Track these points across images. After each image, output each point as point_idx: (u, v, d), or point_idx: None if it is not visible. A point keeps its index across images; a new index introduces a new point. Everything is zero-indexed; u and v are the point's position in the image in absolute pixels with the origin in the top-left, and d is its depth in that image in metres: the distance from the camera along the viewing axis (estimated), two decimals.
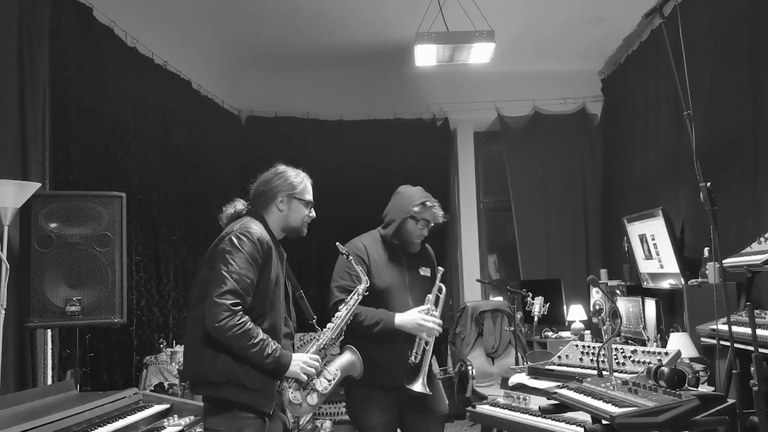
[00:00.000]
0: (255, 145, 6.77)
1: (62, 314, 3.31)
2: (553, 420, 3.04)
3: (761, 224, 3.69)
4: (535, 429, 3.11)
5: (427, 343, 2.96)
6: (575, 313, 6.05)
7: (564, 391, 2.59)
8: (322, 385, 2.57)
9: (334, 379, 2.61)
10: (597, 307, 5.54)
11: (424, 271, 3.18)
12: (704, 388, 2.98)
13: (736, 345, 2.49)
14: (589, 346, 3.62)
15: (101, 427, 2.58)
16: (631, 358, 3.30)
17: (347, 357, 2.74)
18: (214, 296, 2.36)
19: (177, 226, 5.37)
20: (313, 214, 2.75)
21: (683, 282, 4.35)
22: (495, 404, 3.47)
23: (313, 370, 2.55)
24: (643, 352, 3.32)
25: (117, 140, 4.62)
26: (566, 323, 6.05)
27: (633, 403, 2.22)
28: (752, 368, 2.16)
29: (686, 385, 2.32)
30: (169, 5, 5.08)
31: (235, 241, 2.45)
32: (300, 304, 2.88)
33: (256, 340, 2.38)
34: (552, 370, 3.53)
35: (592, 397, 2.40)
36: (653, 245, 4.80)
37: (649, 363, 3.08)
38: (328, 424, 5.01)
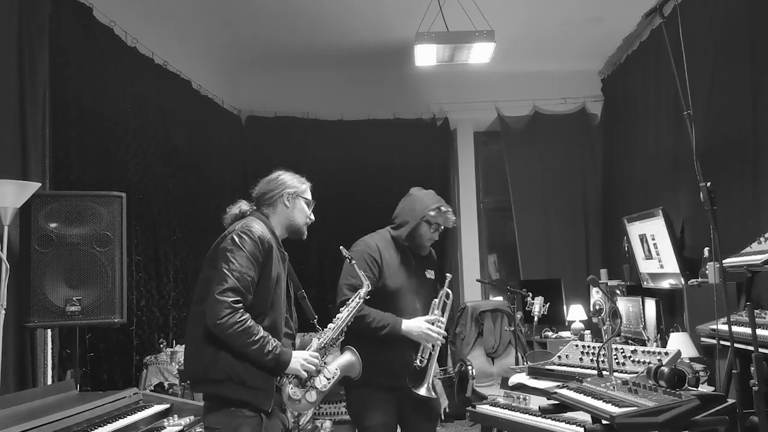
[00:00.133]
0: (255, 145, 6.78)
1: (62, 314, 3.31)
2: (553, 420, 3.04)
3: (761, 224, 3.68)
4: (535, 429, 3.11)
5: (433, 347, 2.99)
6: (575, 313, 6.05)
7: (564, 391, 2.59)
8: (321, 383, 2.59)
9: (333, 377, 2.63)
10: (597, 307, 5.54)
11: (430, 274, 3.22)
12: (704, 388, 2.98)
13: (736, 345, 2.49)
14: (589, 346, 3.62)
15: (101, 427, 2.58)
16: (631, 358, 3.29)
17: (347, 357, 2.75)
18: (216, 293, 2.38)
19: (177, 226, 5.38)
20: (312, 216, 2.80)
21: (683, 282, 4.35)
22: (495, 404, 3.47)
23: (313, 368, 2.58)
24: (643, 352, 3.31)
25: (117, 140, 4.62)
26: (566, 323, 6.05)
27: (633, 403, 2.22)
28: (752, 368, 2.16)
29: (686, 385, 2.31)
30: (169, 5, 5.08)
31: (236, 239, 2.48)
32: (302, 304, 2.90)
33: (256, 338, 2.41)
34: (552, 370, 3.53)
35: (592, 397, 2.40)
36: (653, 245, 4.80)
37: (649, 363, 3.08)
38: (328, 424, 5.01)
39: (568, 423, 2.98)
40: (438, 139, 7.03)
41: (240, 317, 2.38)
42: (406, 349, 2.96)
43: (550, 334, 5.99)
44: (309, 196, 2.78)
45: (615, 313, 4.53)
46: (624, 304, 5.20)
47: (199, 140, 5.88)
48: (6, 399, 2.69)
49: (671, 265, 4.59)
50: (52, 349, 3.61)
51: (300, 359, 2.54)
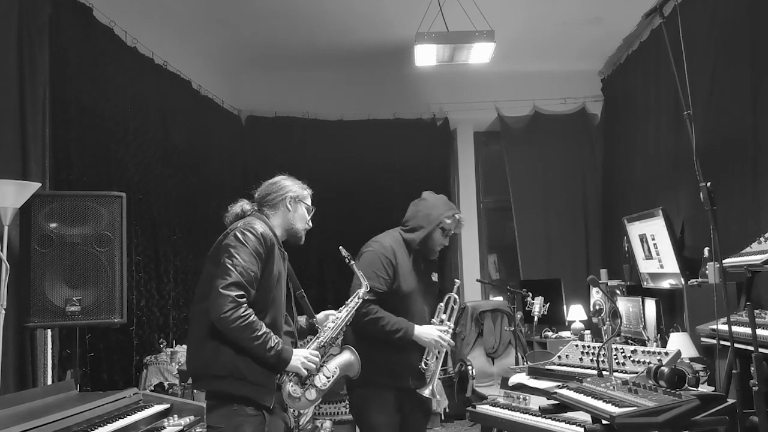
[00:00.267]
0: (255, 145, 6.78)
1: (62, 314, 3.31)
2: (553, 420, 3.04)
3: (761, 224, 3.68)
4: (535, 429, 3.11)
5: (439, 352, 3.04)
6: (575, 313, 6.05)
7: (564, 391, 2.59)
8: (321, 381, 2.61)
9: (333, 376, 2.65)
10: (597, 307, 5.54)
11: (434, 277, 3.26)
12: (704, 388, 2.98)
13: (736, 345, 2.49)
14: (589, 346, 3.62)
15: (101, 427, 2.58)
16: (631, 358, 3.30)
17: (346, 357, 2.77)
18: (220, 288, 2.40)
19: (177, 226, 5.37)
20: (311, 223, 2.83)
21: (683, 282, 4.35)
22: (495, 404, 3.47)
23: (314, 366, 2.59)
24: (643, 352, 3.31)
25: (117, 140, 4.62)
26: (566, 323, 6.05)
27: (633, 403, 2.22)
28: (752, 368, 2.16)
29: (686, 385, 2.32)
30: (169, 5, 5.08)
31: (239, 236, 2.51)
32: (301, 304, 2.91)
33: (259, 333, 2.42)
34: (552, 370, 3.53)
35: (592, 397, 2.40)
36: (653, 245, 4.80)
37: (649, 363, 3.08)
38: (328, 424, 5.01)
39: (568, 423, 2.98)
40: (438, 139, 7.03)
41: (244, 312, 2.40)
42: (411, 352, 3.00)
43: (550, 334, 5.99)
44: (309, 202, 2.81)
45: (615, 313, 4.53)
46: (624, 304, 5.20)
47: (199, 140, 5.88)
48: (6, 399, 2.69)
49: (671, 265, 4.59)
50: (52, 349, 3.61)
51: (301, 357, 2.55)
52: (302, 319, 2.93)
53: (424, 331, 2.96)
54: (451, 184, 7.11)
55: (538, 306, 4.44)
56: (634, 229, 5.06)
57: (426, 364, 3.01)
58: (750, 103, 3.93)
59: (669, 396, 2.22)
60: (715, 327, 3.06)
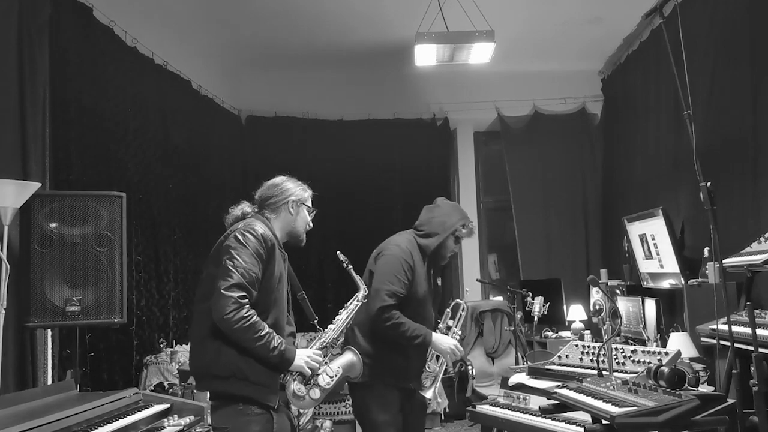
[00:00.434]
0: (255, 145, 6.78)
1: (62, 314, 3.31)
2: (553, 420, 3.04)
3: (761, 224, 3.69)
4: (535, 429, 3.11)
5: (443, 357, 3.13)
6: (575, 313, 6.05)
7: (564, 391, 2.59)
8: (324, 380, 2.63)
9: (336, 376, 2.68)
10: (597, 307, 5.54)
11: (439, 281, 3.32)
12: (704, 388, 2.98)
13: (736, 345, 2.49)
14: (589, 346, 3.62)
15: (101, 426, 2.58)
16: (631, 358, 3.30)
17: (348, 357, 2.80)
18: (222, 289, 2.40)
19: (177, 226, 5.37)
20: (311, 224, 2.83)
21: (683, 282, 4.35)
22: (495, 404, 3.47)
23: (317, 365, 2.61)
24: (643, 351, 3.32)
25: (117, 140, 4.62)
26: (566, 323, 6.05)
27: (633, 403, 2.22)
28: (752, 368, 2.16)
29: (686, 384, 2.32)
30: (169, 5, 5.08)
31: (240, 237, 2.51)
32: (302, 305, 2.92)
33: (262, 333, 2.42)
34: (552, 370, 3.53)
35: (592, 397, 2.40)
36: (653, 245, 4.80)
37: (649, 363, 3.08)
38: (328, 424, 5.01)
39: (568, 423, 2.99)
40: (438, 139, 7.03)
41: (246, 312, 2.40)
42: (417, 354, 3.08)
43: (550, 334, 5.99)
44: (310, 203, 2.81)
45: (615, 313, 4.54)
46: (624, 304, 5.20)
47: (199, 140, 5.88)
48: (6, 399, 2.69)
49: (671, 265, 4.59)
50: (52, 349, 3.61)
51: (304, 357, 2.56)
52: None
53: (442, 340, 3.05)
54: (451, 184, 7.11)
55: (538, 306, 4.44)
56: (634, 229, 5.06)
57: (429, 367, 3.11)
58: (750, 103, 3.93)
59: (669, 396, 2.22)
60: (715, 327, 3.06)
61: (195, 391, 4.03)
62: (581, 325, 5.80)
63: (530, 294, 4.53)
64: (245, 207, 2.73)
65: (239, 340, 2.41)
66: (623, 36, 6.00)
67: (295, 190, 2.75)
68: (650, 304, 4.86)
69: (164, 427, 2.93)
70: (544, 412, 2.73)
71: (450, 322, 3.25)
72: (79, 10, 4.22)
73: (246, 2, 5.20)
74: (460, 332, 3.21)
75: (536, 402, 3.17)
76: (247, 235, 2.51)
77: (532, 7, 5.45)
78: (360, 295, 2.90)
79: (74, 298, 3.34)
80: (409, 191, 6.82)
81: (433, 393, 3.06)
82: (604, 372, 2.83)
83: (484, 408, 3.47)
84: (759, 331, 2.58)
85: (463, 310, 3.26)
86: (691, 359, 3.65)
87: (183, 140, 5.56)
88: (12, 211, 3.13)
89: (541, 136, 6.86)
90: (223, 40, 5.93)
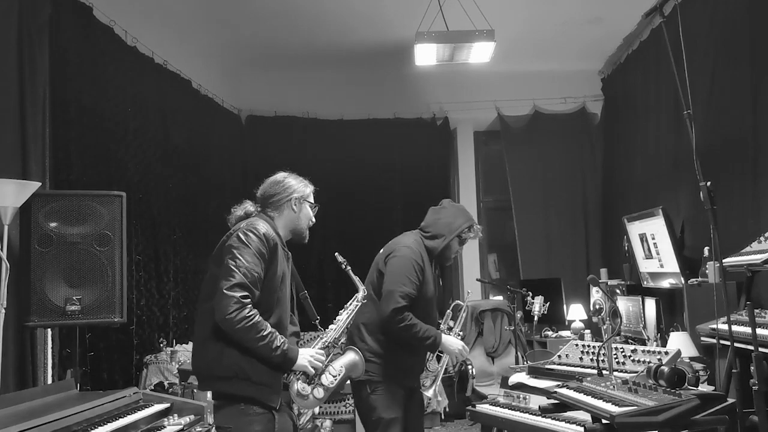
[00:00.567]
0: (255, 144, 6.78)
1: (62, 313, 3.32)
2: (553, 419, 3.05)
3: (761, 224, 3.69)
4: (535, 428, 3.11)
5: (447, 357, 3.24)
6: (575, 313, 6.05)
7: (564, 391, 2.59)
8: (328, 380, 2.63)
9: (339, 375, 2.68)
10: (597, 307, 5.54)
11: (440, 282, 3.36)
12: (704, 388, 2.98)
13: (736, 344, 2.49)
14: (589, 346, 3.62)
15: (101, 426, 2.58)
16: (631, 358, 3.30)
17: (350, 357, 2.80)
18: (224, 289, 2.39)
19: (177, 225, 5.38)
20: (314, 219, 2.83)
21: (683, 281, 4.35)
22: (495, 403, 3.47)
23: (320, 365, 2.61)
24: (643, 351, 3.32)
25: (117, 140, 4.62)
26: (566, 322, 6.05)
27: (633, 403, 2.22)
28: (752, 367, 2.17)
29: (686, 384, 2.32)
30: (169, 5, 5.08)
31: (242, 236, 2.50)
32: (304, 305, 2.92)
33: (264, 333, 2.42)
34: (552, 370, 3.53)
35: (592, 397, 2.40)
36: (653, 245, 4.80)
37: (649, 362, 3.08)
38: (327, 423, 5.01)
39: (568, 422, 2.99)
40: (438, 138, 7.03)
41: (248, 313, 2.39)
42: (421, 354, 3.18)
43: (550, 333, 5.99)
44: (312, 199, 2.81)
45: (615, 313, 4.54)
46: (624, 304, 5.20)
47: (199, 140, 5.87)
48: (6, 398, 2.69)
49: (671, 264, 4.59)
50: (52, 348, 3.61)
51: (307, 356, 2.56)
52: None
53: (451, 341, 3.14)
54: (451, 184, 7.11)
55: (538, 305, 4.44)
56: (634, 229, 5.06)
57: (429, 367, 3.20)
58: (750, 103, 3.93)
59: (669, 395, 2.22)
60: (715, 326, 3.07)
61: (195, 390, 4.04)
62: (581, 325, 5.80)
63: (530, 293, 4.53)
64: (248, 206, 2.72)
65: (241, 340, 2.40)
66: (623, 36, 6.00)
67: (298, 186, 2.74)
68: (650, 304, 4.86)
69: (164, 427, 2.94)
70: (544, 411, 2.73)
71: (451, 323, 3.35)
72: (79, 10, 4.22)
73: (246, 2, 5.20)
74: (461, 333, 3.26)
75: (536, 401, 3.18)
76: (250, 234, 2.51)
77: (532, 7, 5.45)
78: (359, 295, 2.90)
79: (74, 298, 3.34)
80: (409, 191, 6.83)
81: (433, 392, 3.13)
82: (604, 371, 2.83)
83: (484, 407, 3.47)
84: (759, 331, 2.59)
85: (463, 312, 3.35)
86: (691, 359, 3.65)
87: (183, 140, 5.56)
88: (12, 211, 3.13)
89: (541, 135, 6.86)
90: (223, 39, 5.93)
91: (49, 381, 3.53)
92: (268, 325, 2.45)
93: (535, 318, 4.45)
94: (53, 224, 3.35)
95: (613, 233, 6.24)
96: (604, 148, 6.82)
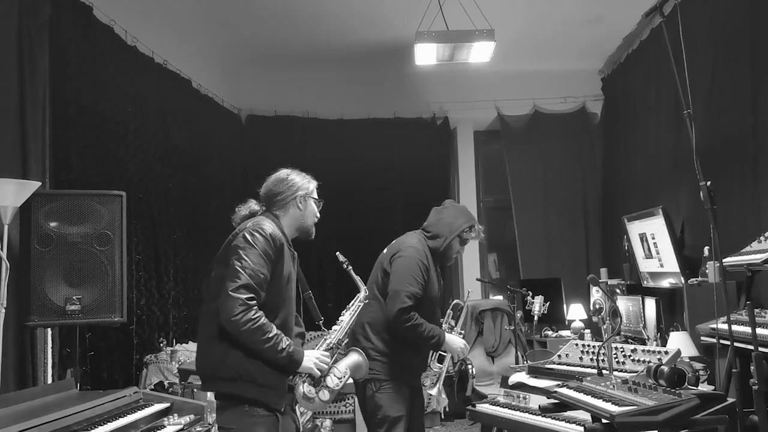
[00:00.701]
0: (255, 144, 6.78)
1: (62, 313, 3.31)
2: (553, 419, 3.05)
3: (761, 223, 3.69)
4: (535, 428, 3.11)
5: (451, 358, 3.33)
6: (575, 312, 6.05)
7: (564, 390, 2.59)
8: (333, 382, 2.60)
9: (344, 377, 2.66)
10: (597, 306, 5.54)
11: (441, 281, 3.38)
12: (704, 387, 2.99)
13: (736, 344, 2.49)
14: (589, 345, 3.62)
15: (101, 425, 2.58)
16: (631, 357, 3.30)
17: (354, 358, 2.78)
18: (230, 290, 2.37)
19: (177, 225, 5.37)
20: (318, 215, 2.81)
21: (683, 281, 4.35)
22: (495, 403, 3.47)
23: (326, 366, 2.59)
24: (643, 351, 3.32)
25: (117, 140, 4.62)
26: (566, 322, 6.05)
27: (633, 402, 2.22)
28: (752, 367, 2.17)
29: (686, 384, 2.32)
30: (169, 4, 5.08)
31: (248, 237, 2.47)
32: (308, 305, 2.91)
33: (270, 335, 2.40)
34: (552, 369, 3.53)
35: (592, 396, 2.40)
36: (653, 244, 4.80)
37: (649, 362, 3.09)
38: (328, 423, 5.01)
39: (568, 422, 2.99)
40: (438, 138, 7.03)
41: (254, 314, 2.37)
42: (424, 352, 3.23)
43: (550, 333, 6.00)
44: (316, 195, 2.78)
45: (615, 312, 4.55)
46: (624, 303, 5.20)
47: (199, 140, 5.87)
48: (6, 398, 2.69)
49: (671, 264, 4.59)
50: (52, 348, 3.61)
51: (313, 358, 2.54)
52: None
53: (453, 340, 3.20)
54: (451, 184, 7.11)
55: (538, 305, 4.44)
56: (634, 228, 5.06)
57: (432, 366, 3.26)
58: (750, 103, 3.93)
59: (669, 395, 2.22)
60: (714, 326, 3.07)
61: (195, 390, 4.04)
62: (581, 325, 5.80)
63: (530, 293, 4.53)
64: (253, 205, 2.70)
65: (247, 342, 2.38)
66: (623, 35, 6.00)
67: (302, 183, 2.71)
68: (650, 304, 4.86)
69: (164, 426, 2.94)
70: (544, 411, 2.73)
71: (452, 322, 3.40)
72: (79, 10, 4.22)
73: (246, 2, 5.20)
74: (462, 331, 3.34)
75: (536, 401, 3.18)
76: (256, 234, 2.48)
77: (532, 7, 5.45)
78: (361, 295, 2.90)
79: (74, 297, 3.34)
80: (409, 191, 6.83)
81: (437, 390, 3.20)
82: (604, 371, 2.83)
83: (484, 407, 3.47)
84: (759, 330, 2.59)
85: (462, 311, 3.42)
86: (691, 358, 3.65)
87: (183, 140, 5.56)
88: (12, 210, 3.13)
89: (541, 135, 6.86)
90: (223, 39, 5.93)
91: (49, 381, 3.53)
92: (274, 326, 2.43)
93: (535, 318, 4.45)
94: (53, 224, 3.35)
95: (613, 233, 6.24)
96: (604, 147, 6.82)
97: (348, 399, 5.12)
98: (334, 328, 2.79)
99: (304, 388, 2.53)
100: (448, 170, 7.10)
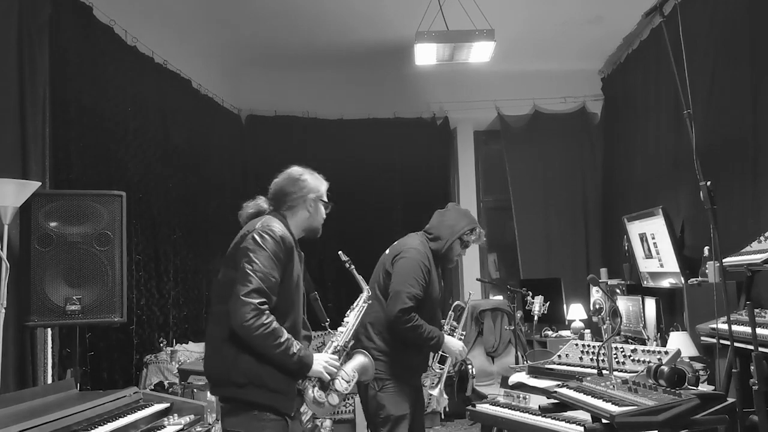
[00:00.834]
0: (255, 144, 6.78)
1: (62, 313, 3.31)
2: (553, 419, 3.05)
3: (761, 223, 3.69)
4: (535, 428, 3.11)
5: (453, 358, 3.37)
6: (575, 312, 6.05)
7: (564, 390, 2.59)
8: (342, 386, 2.58)
9: (352, 380, 2.64)
10: (597, 306, 5.54)
11: (442, 283, 3.40)
12: (704, 387, 2.98)
13: (736, 344, 2.49)
14: (589, 345, 3.62)
15: (101, 426, 2.58)
16: (631, 357, 3.30)
17: (360, 360, 2.77)
18: (241, 295, 2.32)
19: (177, 225, 5.38)
20: (324, 216, 2.78)
21: (683, 281, 4.35)
22: (495, 403, 3.47)
23: (335, 370, 2.56)
24: (643, 351, 3.32)
25: (117, 140, 4.62)
26: (566, 322, 6.05)
27: (633, 402, 2.22)
28: (752, 367, 2.17)
29: (686, 384, 2.32)
30: (169, 4, 5.08)
31: (257, 238, 2.42)
32: (314, 306, 2.89)
33: (282, 339, 2.36)
34: (552, 369, 3.53)
35: (592, 396, 2.40)
36: (653, 244, 4.80)
37: (649, 362, 3.09)
38: (328, 423, 5.01)
39: (568, 422, 2.99)
40: (438, 138, 7.03)
41: (266, 319, 2.33)
42: (426, 353, 3.27)
43: (550, 333, 5.99)
44: (326, 197, 2.74)
45: (615, 312, 4.54)
46: (624, 304, 5.20)
47: (199, 140, 5.87)
48: (6, 398, 2.69)
49: (671, 264, 4.59)
50: (52, 348, 3.61)
51: (322, 362, 2.51)
52: None
53: (452, 342, 3.24)
54: (451, 184, 7.11)
55: (538, 305, 4.44)
56: (634, 228, 5.06)
57: (434, 367, 3.30)
58: (750, 103, 3.93)
59: (669, 395, 2.22)
60: (714, 326, 3.07)
61: (195, 390, 4.04)
62: (581, 325, 5.80)
63: (530, 293, 4.53)
64: (261, 203, 2.64)
65: (259, 347, 2.35)
66: (623, 35, 6.00)
67: (314, 185, 2.67)
68: (650, 304, 4.86)
69: (164, 426, 2.94)
70: (544, 411, 2.73)
71: (454, 323, 3.43)
72: (79, 10, 4.22)
73: (246, 2, 5.20)
74: (463, 333, 3.38)
75: (536, 401, 3.18)
76: (266, 236, 2.43)
77: (532, 7, 5.45)
78: (364, 296, 2.89)
79: (74, 297, 3.34)
80: (409, 191, 6.83)
81: (438, 390, 3.23)
82: (604, 371, 2.83)
83: (484, 407, 3.47)
84: (759, 331, 2.58)
85: (463, 312, 3.45)
86: (691, 358, 3.65)
87: (183, 140, 5.56)
88: (12, 210, 3.13)
89: (541, 135, 6.86)
90: (223, 39, 5.93)
91: (49, 381, 3.53)
92: (285, 330, 2.39)
93: (535, 318, 4.45)
94: (53, 224, 3.35)
95: (613, 233, 6.24)
96: (604, 147, 6.82)
97: (348, 399, 5.12)
98: (339, 329, 2.76)
99: (315, 392, 2.50)
100: (448, 170, 7.10)
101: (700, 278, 4.12)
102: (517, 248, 6.81)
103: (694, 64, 4.33)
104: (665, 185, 5.16)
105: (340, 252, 2.92)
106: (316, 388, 2.51)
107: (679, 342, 3.88)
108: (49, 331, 3.58)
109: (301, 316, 2.60)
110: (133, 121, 4.82)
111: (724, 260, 2.56)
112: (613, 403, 2.26)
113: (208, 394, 3.76)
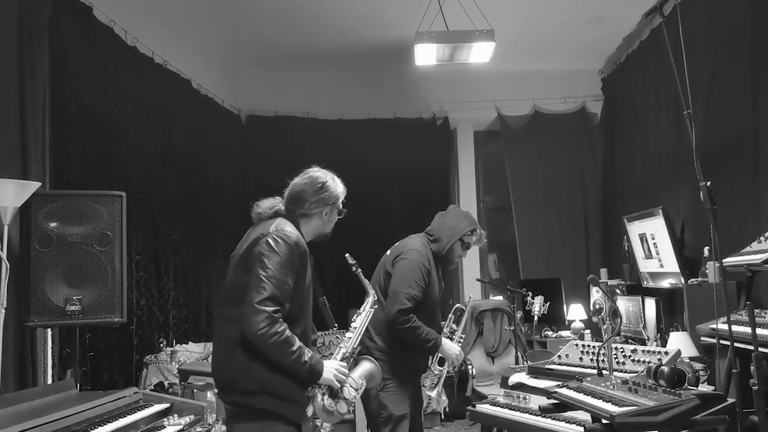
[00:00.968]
0: (255, 144, 6.77)
1: (62, 313, 3.32)
2: (553, 419, 3.05)
3: (761, 224, 3.69)
4: (535, 428, 3.11)
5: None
6: (575, 313, 6.05)
7: (564, 391, 2.59)
8: (350, 394, 2.55)
9: (360, 388, 2.61)
10: (597, 307, 5.54)
11: (442, 284, 3.42)
12: (704, 388, 2.98)
13: (736, 344, 2.49)
14: (589, 346, 3.62)
15: (101, 426, 2.58)
16: (631, 358, 3.30)
17: (366, 366, 2.73)
18: (255, 302, 2.27)
19: (177, 225, 5.37)
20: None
21: (683, 281, 4.35)
22: (495, 403, 3.47)
23: (344, 377, 2.53)
24: (643, 351, 3.32)
25: (117, 140, 4.62)
26: (566, 322, 6.05)
27: (633, 403, 2.22)
28: (752, 367, 2.17)
29: (686, 384, 2.32)
30: (169, 4, 5.08)
31: (272, 243, 2.37)
32: (322, 311, 2.86)
33: (294, 348, 2.32)
34: (552, 370, 3.53)
35: (592, 397, 2.40)
36: (653, 244, 4.80)
37: (649, 362, 3.09)
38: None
39: (568, 422, 2.99)
40: (438, 138, 7.03)
41: (279, 327, 2.28)
42: (426, 354, 3.26)
43: (550, 333, 5.99)
44: (341, 205, 2.72)
45: (615, 313, 4.54)
46: (624, 304, 5.20)
47: (199, 140, 5.87)
48: (6, 398, 2.69)
49: (671, 264, 4.59)
50: (52, 348, 3.61)
51: (332, 369, 2.48)
52: None
53: (449, 345, 3.24)
54: (451, 184, 7.11)
55: (538, 305, 4.44)
56: (634, 229, 5.06)
57: (433, 368, 3.30)
58: (750, 103, 3.93)
59: (669, 395, 2.22)
60: (714, 326, 3.07)
61: (195, 390, 4.04)
62: (581, 325, 5.80)
63: (530, 293, 4.53)
64: (279, 204, 2.59)
65: (272, 355, 2.31)
66: (623, 35, 6.00)
67: (334, 194, 2.65)
68: (650, 304, 4.86)
69: (164, 427, 2.94)
70: (544, 411, 2.74)
71: (454, 326, 3.42)
72: (79, 10, 4.22)
73: (246, 2, 5.20)
74: (463, 336, 3.39)
75: (536, 401, 3.18)
76: (279, 241, 2.37)
77: (532, 7, 5.45)
78: (370, 300, 2.85)
79: (74, 298, 3.34)
80: (409, 191, 6.83)
81: (437, 391, 3.24)
82: (604, 371, 2.83)
83: (483, 407, 3.47)
84: (759, 331, 2.58)
85: (463, 315, 3.45)
86: (691, 359, 3.65)
87: (183, 140, 5.56)
88: (12, 211, 3.13)
89: (541, 135, 6.86)
90: (223, 39, 5.93)
91: (49, 381, 3.53)
92: (297, 338, 2.35)
93: (535, 318, 4.45)
94: (53, 224, 3.35)
95: (613, 233, 6.24)
96: (604, 147, 6.82)
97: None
98: (347, 335, 2.71)
99: (325, 400, 2.47)
100: (448, 170, 7.10)
101: (700, 278, 4.12)
102: (517, 248, 6.81)
103: (694, 64, 4.33)
104: (665, 185, 5.16)
105: (347, 255, 2.87)
106: (326, 396, 2.48)
107: (679, 342, 3.88)
108: (49, 331, 3.58)
109: (311, 322, 2.57)
110: (133, 121, 4.82)
111: (724, 260, 2.55)
112: (613, 404, 2.26)
113: (209, 394, 3.76)
